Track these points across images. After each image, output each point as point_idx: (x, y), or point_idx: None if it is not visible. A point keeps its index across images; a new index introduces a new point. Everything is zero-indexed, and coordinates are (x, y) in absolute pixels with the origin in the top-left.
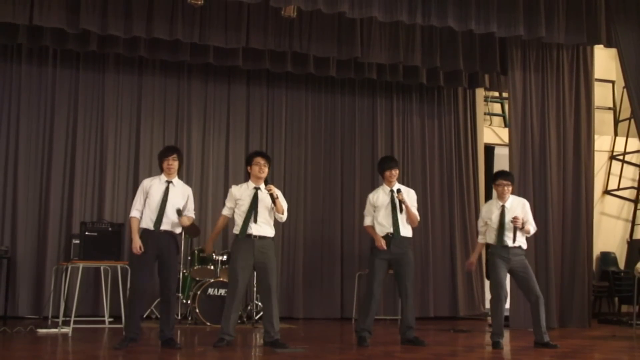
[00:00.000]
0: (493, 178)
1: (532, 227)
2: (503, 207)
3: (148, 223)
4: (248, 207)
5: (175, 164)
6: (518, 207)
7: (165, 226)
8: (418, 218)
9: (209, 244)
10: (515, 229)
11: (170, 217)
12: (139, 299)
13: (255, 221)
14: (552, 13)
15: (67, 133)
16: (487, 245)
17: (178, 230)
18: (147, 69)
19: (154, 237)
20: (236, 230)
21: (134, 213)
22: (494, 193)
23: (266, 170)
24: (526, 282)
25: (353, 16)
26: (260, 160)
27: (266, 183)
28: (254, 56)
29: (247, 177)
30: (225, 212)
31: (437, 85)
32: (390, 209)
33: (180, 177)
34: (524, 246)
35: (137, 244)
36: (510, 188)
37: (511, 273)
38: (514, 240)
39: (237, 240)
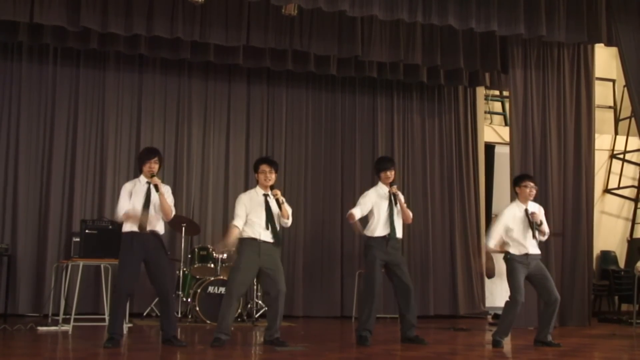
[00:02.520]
0: (518, 180)
1: (547, 231)
2: (526, 210)
3: (132, 226)
4: (261, 214)
5: (156, 167)
6: (537, 210)
7: (149, 226)
8: (411, 215)
9: (220, 245)
10: (533, 225)
11: (153, 215)
12: (124, 301)
13: (267, 228)
14: (553, 11)
15: (68, 131)
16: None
17: (162, 230)
18: (147, 66)
19: (140, 239)
20: (244, 233)
21: (120, 215)
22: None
23: (273, 177)
24: (545, 284)
25: (354, 14)
26: (265, 168)
27: (272, 188)
28: (254, 54)
29: (247, 176)
30: (238, 222)
31: (437, 84)
32: (388, 210)
33: (180, 176)
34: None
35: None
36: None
37: (529, 277)
38: (534, 236)
39: (246, 242)
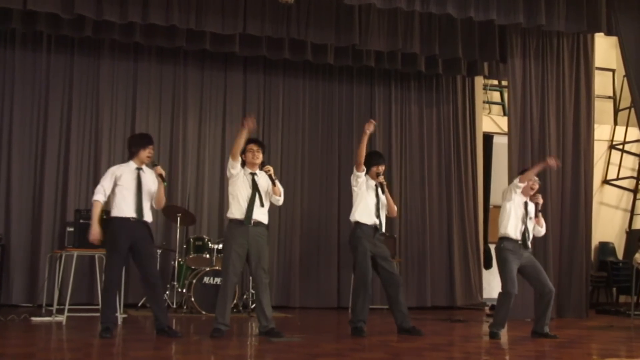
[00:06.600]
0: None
1: (543, 225)
2: (526, 202)
3: (124, 212)
4: (247, 192)
5: (152, 153)
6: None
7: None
8: (395, 208)
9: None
10: (536, 206)
11: (145, 202)
12: (114, 290)
13: (251, 206)
14: (553, 1)
15: (62, 119)
16: (501, 239)
17: (150, 218)
18: (142, 55)
19: (129, 226)
20: (232, 214)
21: (99, 197)
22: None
23: (260, 156)
24: (538, 276)
25: (351, 2)
26: (253, 147)
27: (262, 166)
28: (250, 43)
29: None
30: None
31: (435, 73)
32: (376, 203)
33: (175, 165)
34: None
35: (96, 232)
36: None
37: (520, 269)
38: (536, 214)
39: (233, 225)
